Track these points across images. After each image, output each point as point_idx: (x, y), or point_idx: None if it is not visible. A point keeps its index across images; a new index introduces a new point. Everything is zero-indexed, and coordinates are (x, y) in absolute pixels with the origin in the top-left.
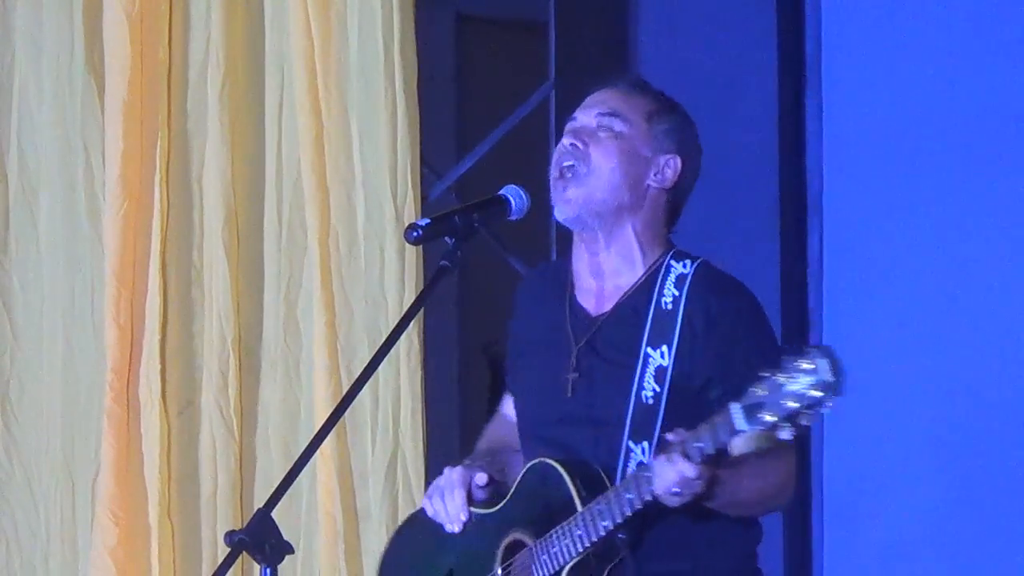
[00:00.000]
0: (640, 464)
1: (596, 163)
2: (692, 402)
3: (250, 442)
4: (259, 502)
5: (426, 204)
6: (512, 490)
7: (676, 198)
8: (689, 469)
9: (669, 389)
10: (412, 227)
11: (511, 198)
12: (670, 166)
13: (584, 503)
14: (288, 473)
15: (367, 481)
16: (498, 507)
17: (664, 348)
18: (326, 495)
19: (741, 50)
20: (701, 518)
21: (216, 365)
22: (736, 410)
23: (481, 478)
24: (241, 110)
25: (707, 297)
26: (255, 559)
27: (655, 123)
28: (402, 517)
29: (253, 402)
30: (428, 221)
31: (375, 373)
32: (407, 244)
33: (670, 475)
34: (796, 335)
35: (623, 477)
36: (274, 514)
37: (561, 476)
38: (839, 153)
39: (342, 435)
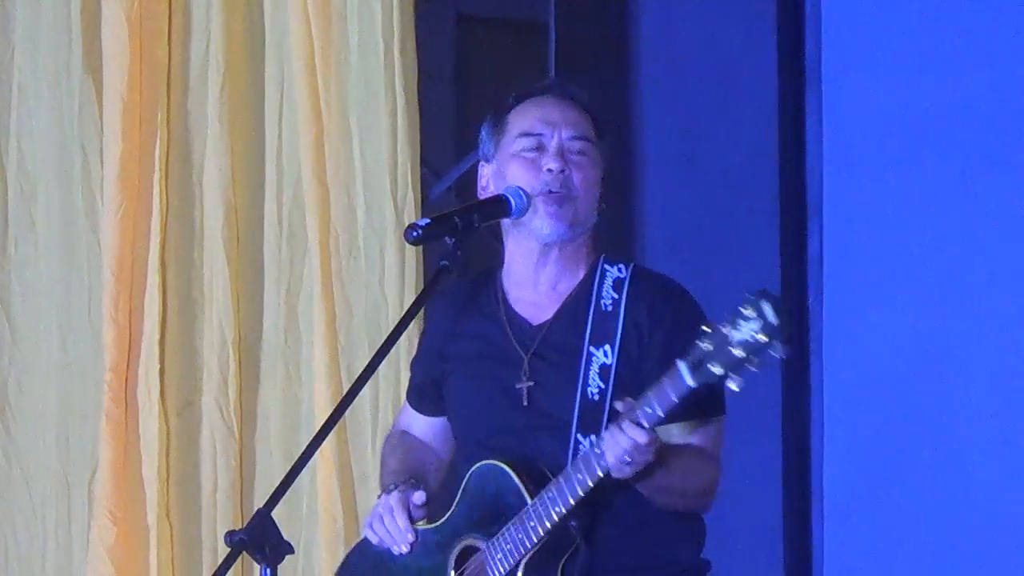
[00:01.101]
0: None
1: (582, 189)
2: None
3: (250, 442)
4: (259, 502)
5: (426, 204)
6: (457, 498)
7: None
8: (641, 435)
9: (613, 386)
10: (412, 227)
11: (511, 198)
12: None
13: (533, 495)
14: (288, 473)
15: (367, 481)
16: (444, 519)
17: (607, 347)
18: (326, 495)
19: (741, 50)
20: (651, 511)
21: (216, 365)
22: (682, 366)
23: (419, 496)
24: (241, 110)
25: (650, 298)
26: (255, 559)
27: (601, 144)
28: None
29: (253, 402)
30: (428, 221)
31: (375, 373)
32: (407, 244)
33: (622, 443)
34: (796, 335)
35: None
36: (274, 514)
37: (505, 472)
38: (839, 153)
39: (342, 435)
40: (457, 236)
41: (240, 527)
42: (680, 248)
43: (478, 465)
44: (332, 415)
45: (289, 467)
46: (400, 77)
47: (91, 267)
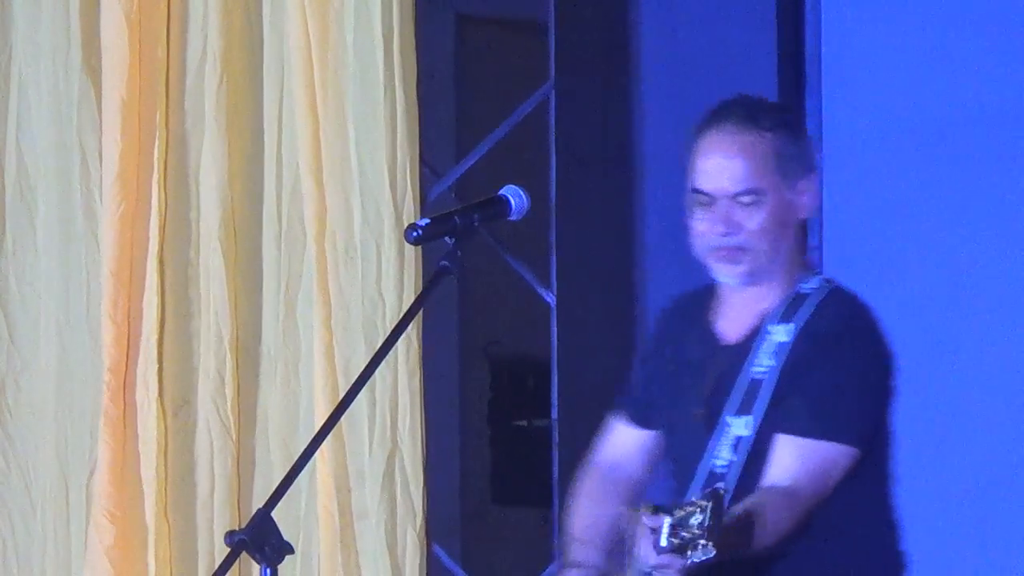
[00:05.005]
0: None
1: (756, 239)
2: (805, 375)
3: (248, 442)
4: (256, 502)
5: (426, 204)
6: None
7: None
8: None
9: (786, 363)
10: (412, 227)
11: (511, 198)
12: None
13: None
14: (288, 473)
15: (364, 481)
16: None
17: (791, 326)
18: (324, 494)
19: (741, 50)
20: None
21: (213, 365)
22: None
23: None
24: (239, 110)
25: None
26: (255, 559)
27: (789, 159)
28: (400, 517)
29: (252, 402)
30: (428, 221)
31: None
32: (407, 244)
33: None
34: None
35: (714, 450)
36: (273, 514)
37: None
38: (838, 153)
39: (339, 434)
40: (457, 236)
41: (238, 526)
42: (680, 248)
43: None
44: (331, 416)
45: (286, 466)
46: (400, 77)
47: (90, 267)
